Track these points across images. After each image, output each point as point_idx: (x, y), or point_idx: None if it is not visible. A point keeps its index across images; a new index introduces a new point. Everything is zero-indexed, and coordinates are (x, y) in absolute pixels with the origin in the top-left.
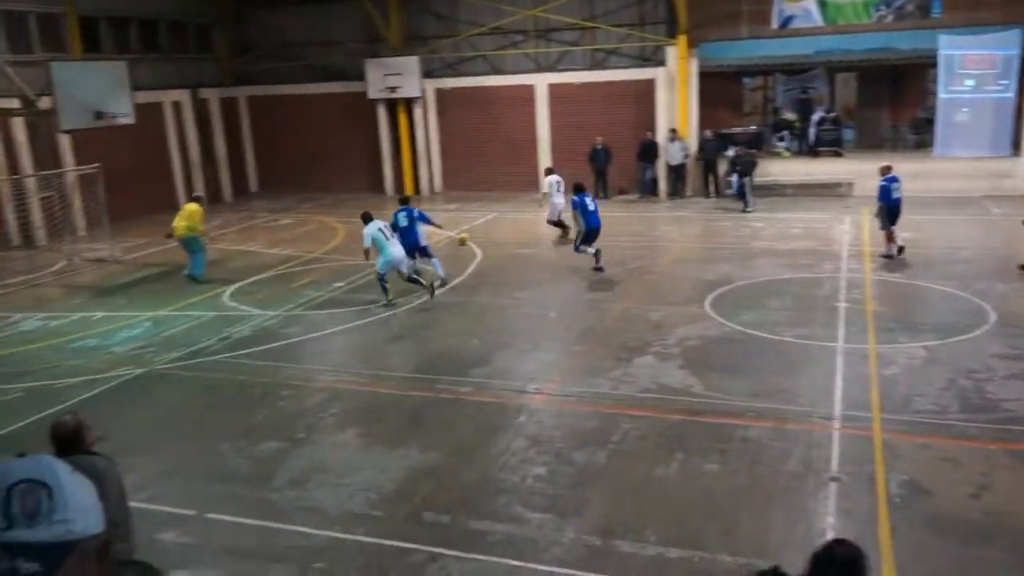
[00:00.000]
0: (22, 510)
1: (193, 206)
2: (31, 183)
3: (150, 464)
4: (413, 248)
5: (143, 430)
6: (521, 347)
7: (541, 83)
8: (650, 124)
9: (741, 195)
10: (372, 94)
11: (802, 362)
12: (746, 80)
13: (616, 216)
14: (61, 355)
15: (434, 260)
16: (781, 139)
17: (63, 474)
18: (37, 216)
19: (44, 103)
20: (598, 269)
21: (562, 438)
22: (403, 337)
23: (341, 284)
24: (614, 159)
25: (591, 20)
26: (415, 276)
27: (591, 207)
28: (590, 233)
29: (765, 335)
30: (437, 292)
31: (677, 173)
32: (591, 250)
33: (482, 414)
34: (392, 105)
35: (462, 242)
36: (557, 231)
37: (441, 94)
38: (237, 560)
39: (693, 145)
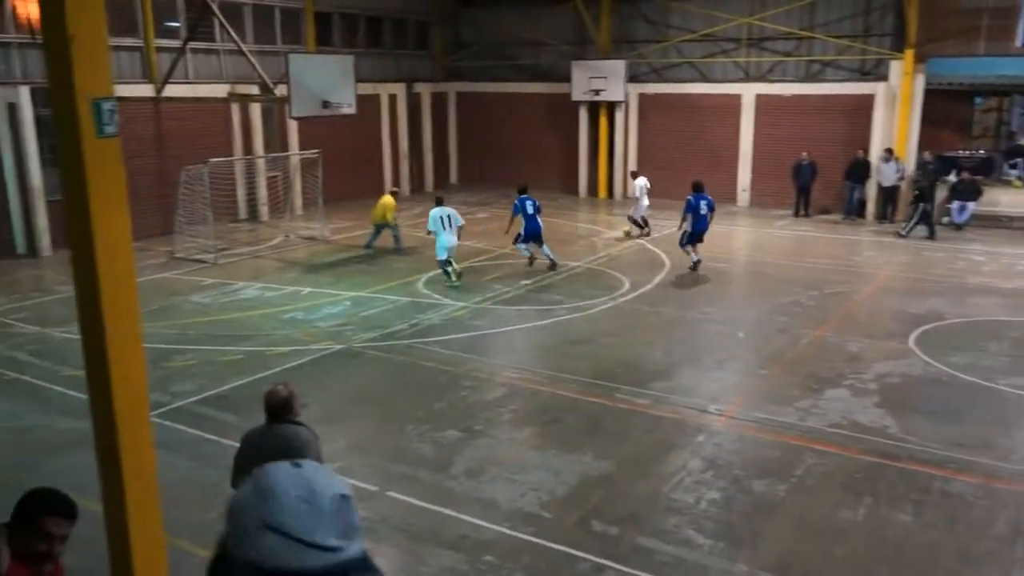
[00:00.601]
0: (349, 524)
1: (388, 199)
2: (261, 163)
3: (341, 436)
4: (534, 235)
5: (337, 403)
6: (705, 364)
7: (749, 93)
8: (863, 142)
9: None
10: (576, 96)
11: (1019, 415)
12: (978, 100)
13: (817, 236)
14: (273, 324)
15: (544, 247)
16: (1014, 167)
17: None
18: (263, 193)
19: (279, 91)
20: (693, 268)
21: (741, 464)
22: (586, 341)
23: (528, 282)
24: (820, 176)
25: (809, 30)
26: (448, 266)
27: (703, 211)
28: (694, 235)
29: (977, 380)
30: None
31: (888, 196)
32: (694, 256)
33: (659, 428)
34: (594, 108)
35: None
36: (635, 227)
37: (644, 99)
38: (411, 540)
39: (910, 167)
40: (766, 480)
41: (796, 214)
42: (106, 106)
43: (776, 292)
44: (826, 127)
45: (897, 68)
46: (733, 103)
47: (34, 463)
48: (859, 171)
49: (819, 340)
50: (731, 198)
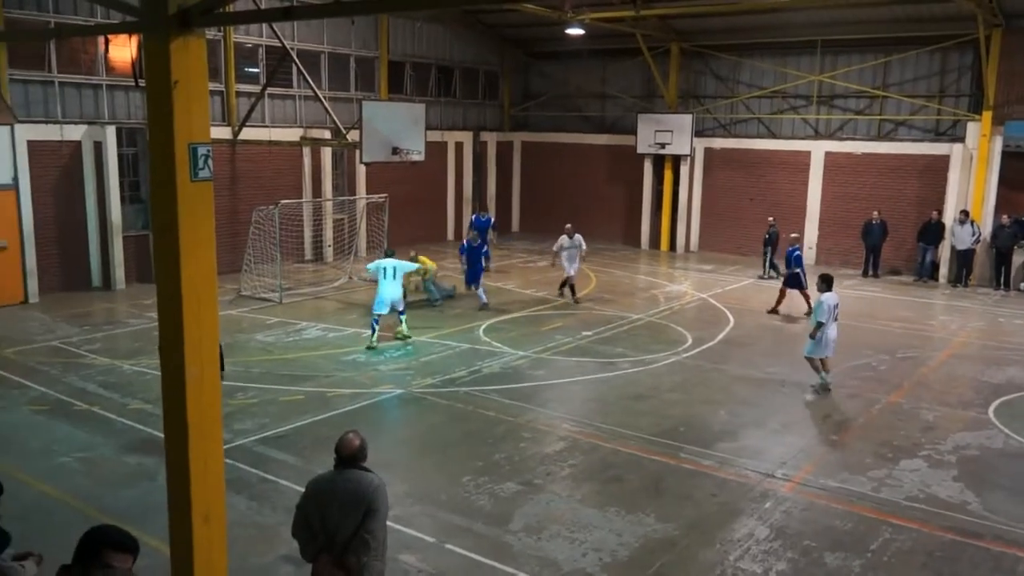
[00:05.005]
0: None
1: (425, 261)
2: (328, 206)
3: (398, 484)
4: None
5: (396, 449)
6: (771, 427)
7: (818, 150)
8: (937, 203)
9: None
10: (641, 148)
11: None
12: None
13: (886, 298)
14: (334, 366)
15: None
16: None
17: None
18: (329, 235)
19: (351, 136)
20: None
21: (812, 535)
22: (648, 397)
23: (589, 333)
24: (891, 236)
25: (882, 88)
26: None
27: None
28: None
29: None
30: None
31: (963, 259)
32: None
33: (724, 492)
34: (659, 160)
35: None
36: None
37: (709, 153)
38: None
39: (986, 230)
40: (839, 554)
41: (865, 274)
42: (202, 151)
43: (845, 355)
44: (898, 187)
45: (974, 129)
46: (801, 160)
47: (99, 496)
48: (932, 233)
49: (893, 407)
50: None
